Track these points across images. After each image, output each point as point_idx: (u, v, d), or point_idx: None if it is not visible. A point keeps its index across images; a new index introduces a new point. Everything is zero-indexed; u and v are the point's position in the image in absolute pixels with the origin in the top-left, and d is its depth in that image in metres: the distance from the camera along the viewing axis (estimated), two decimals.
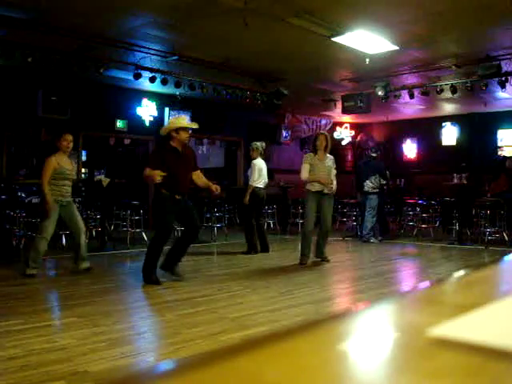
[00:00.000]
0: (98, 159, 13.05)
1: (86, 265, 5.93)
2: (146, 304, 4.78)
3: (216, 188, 5.69)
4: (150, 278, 5.35)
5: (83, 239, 5.90)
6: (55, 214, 5.71)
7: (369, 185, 9.32)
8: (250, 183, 7.63)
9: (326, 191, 6.68)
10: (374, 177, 9.33)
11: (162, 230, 5.38)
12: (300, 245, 6.91)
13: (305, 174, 6.65)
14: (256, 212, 7.74)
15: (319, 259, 6.92)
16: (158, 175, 5.07)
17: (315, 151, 6.74)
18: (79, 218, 5.98)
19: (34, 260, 5.69)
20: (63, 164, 5.82)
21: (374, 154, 9.76)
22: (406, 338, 0.46)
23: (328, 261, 6.91)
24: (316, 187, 6.66)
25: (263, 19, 6.47)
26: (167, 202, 5.27)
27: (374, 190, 9.31)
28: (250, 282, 5.52)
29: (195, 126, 5.60)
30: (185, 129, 5.35)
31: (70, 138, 5.92)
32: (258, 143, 7.84)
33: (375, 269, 6.62)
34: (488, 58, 8.09)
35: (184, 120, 5.62)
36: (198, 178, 5.71)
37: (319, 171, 6.63)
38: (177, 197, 5.31)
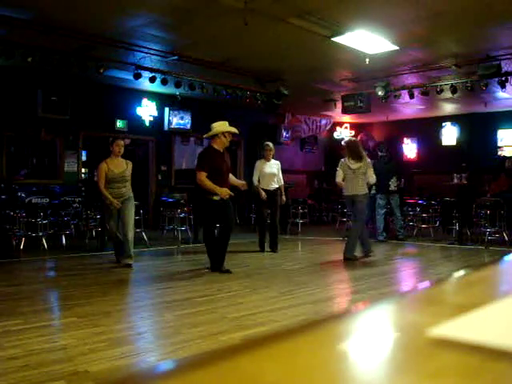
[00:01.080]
0: (98, 159, 13.01)
1: (129, 261, 6.37)
2: (146, 304, 4.78)
3: (243, 184, 6.39)
4: (219, 269, 5.98)
5: (130, 237, 6.37)
6: (113, 211, 6.32)
7: (394, 184, 9.55)
8: (282, 183, 8.06)
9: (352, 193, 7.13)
10: (395, 176, 9.60)
11: (205, 230, 6.09)
12: (353, 243, 7.19)
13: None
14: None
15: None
16: (228, 194, 5.80)
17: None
18: (130, 217, 6.44)
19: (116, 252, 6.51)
20: (113, 168, 6.32)
21: (382, 153, 9.85)
22: (406, 338, 0.46)
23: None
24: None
25: (263, 19, 6.47)
26: (209, 203, 5.80)
27: (396, 189, 9.64)
28: (250, 282, 5.52)
29: (237, 131, 6.18)
30: (230, 133, 6.00)
31: (121, 143, 6.49)
32: None
33: (375, 269, 6.62)
34: (488, 58, 8.09)
35: (227, 125, 6.07)
36: (231, 179, 6.30)
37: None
38: (215, 198, 5.79)
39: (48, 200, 8.24)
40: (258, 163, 7.91)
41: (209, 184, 5.72)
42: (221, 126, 5.98)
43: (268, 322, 3.92)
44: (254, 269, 6.49)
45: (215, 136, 5.93)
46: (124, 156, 6.72)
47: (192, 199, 6.56)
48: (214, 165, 5.82)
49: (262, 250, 7.92)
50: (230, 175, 6.32)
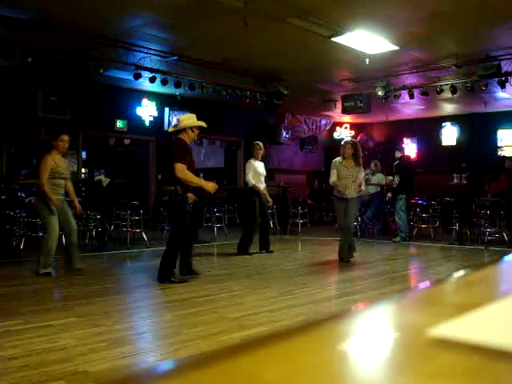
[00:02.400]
0: (98, 159, 13.05)
1: (79, 265, 5.93)
2: (146, 304, 4.78)
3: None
4: (168, 279, 5.35)
5: (75, 239, 5.90)
6: (55, 211, 5.74)
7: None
8: (265, 185, 7.87)
9: (348, 196, 6.87)
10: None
11: (180, 231, 5.42)
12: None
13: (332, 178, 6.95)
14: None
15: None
16: (215, 188, 5.32)
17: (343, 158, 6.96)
18: (72, 217, 5.97)
19: (45, 259, 5.72)
20: (59, 163, 5.85)
21: (402, 154, 9.90)
22: (406, 338, 0.46)
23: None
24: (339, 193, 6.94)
25: (263, 19, 6.48)
26: (184, 202, 5.38)
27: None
28: (250, 282, 5.52)
29: (206, 125, 5.76)
30: (198, 127, 5.59)
31: (66, 138, 5.94)
32: None
33: (375, 269, 6.62)
34: (488, 58, 8.10)
35: (195, 119, 5.68)
36: None
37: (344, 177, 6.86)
38: (190, 196, 5.45)
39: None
40: (253, 162, 7.64)
41: (193, 177, 5.27)
42: (188, 120, 5.58)
43: (268, 322, 3.91)
44: (253, 269, 6.49)
45: (183, 130, 5.50)
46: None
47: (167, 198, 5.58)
48: (190, 159, 5.41)
49: (267, 249, 7.76)
50: None
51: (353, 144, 6.94)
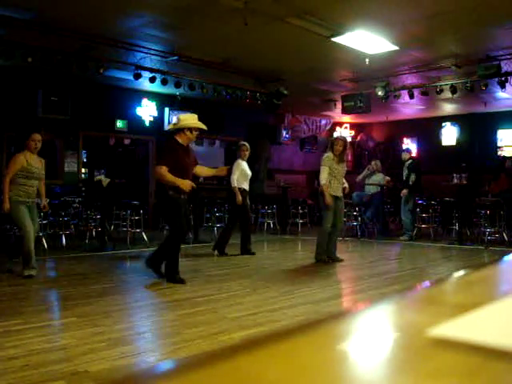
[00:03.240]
0: (98, 159, 13.05)
1: (32, 272, 5.63)
2: (146, 304, 4.78)
3: (222, 169, 6.14)
4: (174, 278, 5.37)
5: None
6: (25, 210, 5.58)
7: None
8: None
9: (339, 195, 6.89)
10: None
11: (177, 232, 5.40)
12: (318, 243, 6.94)
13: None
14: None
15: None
16: (190, 186, 5.22)
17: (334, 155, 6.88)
18: (37, 224, 5.85)
19: (28, 260, 5.60)
20: (32, 162, 5.65)
21: (408, 156, 9.90)
22: (406, 338, 0.46)
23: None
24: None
25: (263, 19, 6.48)
26: (177, 202, 5.31)
27: None
28: (250, 282, 5.52)
29: (205, 127, 5.62)
30: (197, 129, 5.45)
31: (38, 137, 5.75)
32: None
33: (375, 269, 6.62)
34: (488, 58, 8.09)
35: (196, 119, 5.55)
36: (202, 170, 5.87)
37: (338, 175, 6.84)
38: (182, 197, 5.37)
39: (48, 200, 8.21)
40: (241, 162, 7.50)
41: (169, 177, 5.13)
42: (188, 120, 5.41)
43: (268, 322, 3.91)
44: (253, 269, 6.49)
45: (180, 131, 5.36)
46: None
47: (158, 198, 5.62)
48: (179, 160, 5.25)
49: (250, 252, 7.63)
50: (202, 167, 5.86)
51: (344, 141, 6.95)
